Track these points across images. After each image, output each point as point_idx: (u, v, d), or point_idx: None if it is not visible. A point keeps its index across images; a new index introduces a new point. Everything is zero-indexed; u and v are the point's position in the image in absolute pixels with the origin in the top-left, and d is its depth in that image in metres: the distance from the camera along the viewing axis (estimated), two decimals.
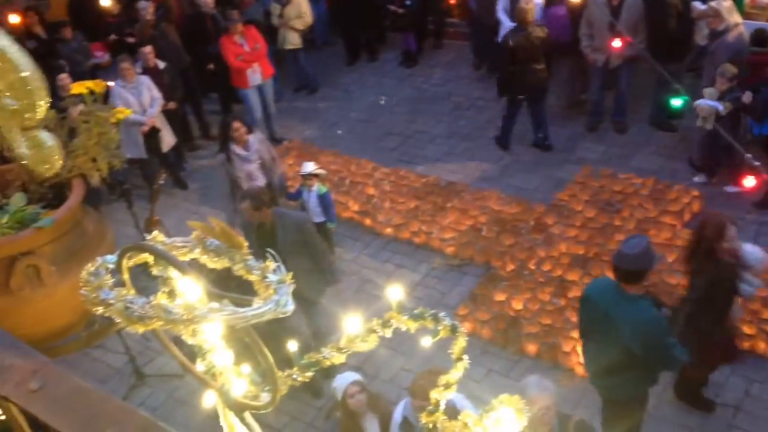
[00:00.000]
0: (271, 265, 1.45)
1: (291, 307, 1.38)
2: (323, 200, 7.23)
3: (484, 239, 7.51)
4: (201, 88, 10.69)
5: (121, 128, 8.38)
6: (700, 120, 7.35)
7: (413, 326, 1.58)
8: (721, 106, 7.13)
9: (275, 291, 1.39)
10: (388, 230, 8.00)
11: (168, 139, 8.96)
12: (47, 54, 9.92)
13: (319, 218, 7.24)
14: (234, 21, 9.07)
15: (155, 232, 1.50)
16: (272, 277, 1.43)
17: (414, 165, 9.06)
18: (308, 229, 5.98)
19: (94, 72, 9.53)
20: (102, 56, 9.45)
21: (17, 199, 1.78)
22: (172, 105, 9.03)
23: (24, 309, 1.69)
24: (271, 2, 10.36)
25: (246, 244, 1.52)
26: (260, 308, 1.35)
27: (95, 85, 1.88)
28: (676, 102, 8.08)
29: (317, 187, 7.18)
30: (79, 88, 1.86)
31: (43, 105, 1.40)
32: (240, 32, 9.10)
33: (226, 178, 7.15)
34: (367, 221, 8.17)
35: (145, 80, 8.59)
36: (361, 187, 8.51)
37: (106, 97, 2.13)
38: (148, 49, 8.80)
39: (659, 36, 8.17)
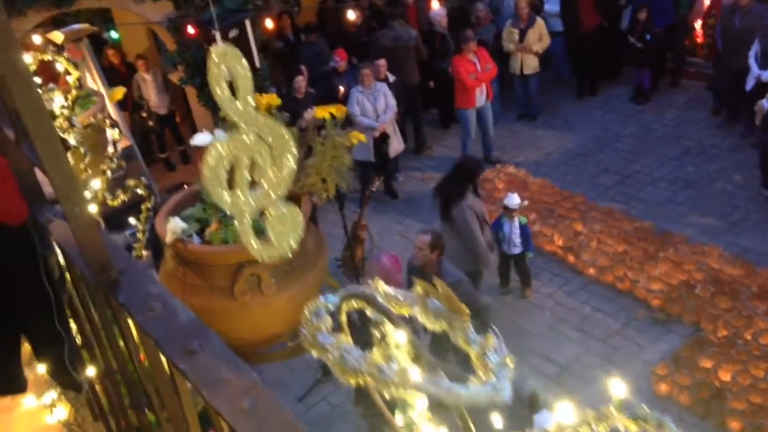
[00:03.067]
0: (492, 341, 1.37)
1: (509, 393, 1.28)
2: (524, 231, 7.10)
3: (697, 298, 6.92)
4: (422, 104, 10.98)
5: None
6: None
7: (633, 428, 1.37)
8: None
9: (494, 373, 1.30)
10: (591, 271, 7.65)
11: (396, 146, 9.28)
12: (291, 55, 10.72)
13: (518, 249, 7.13)
14: (469, 39, 9.18)
15: (378, 280, 1.50)
16: (493, 357, 1.34)
17: (629, 207, 8.58)
18: (464, 289, 5.78)
19: (330, 75, 10.10)
20: (339, 62, 9.98)
21: None
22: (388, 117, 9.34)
23: (241, 314, 1.79)
24: (506, 25, 10.34)
25: (468, 312, 1.46)
26: (476, 391, 1.26)
27: (337, 110, 1.93)
28: None
29: (518, 217, 7.06)
30: (322, 112, 1.92)
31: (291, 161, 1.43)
32: (474, 51, 9.20)
33: (473, 219, 6.64)
34: (570, 258, 7.87)
35: (383, 87, 8.97)
36: (569, 222, 8.22)
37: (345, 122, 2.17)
38: (382, 62, 9.18)
39: None
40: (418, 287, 1.43)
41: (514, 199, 7.00)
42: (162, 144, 10.88)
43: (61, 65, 2.22)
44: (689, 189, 8.77)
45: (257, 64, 8.90)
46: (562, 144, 10.24)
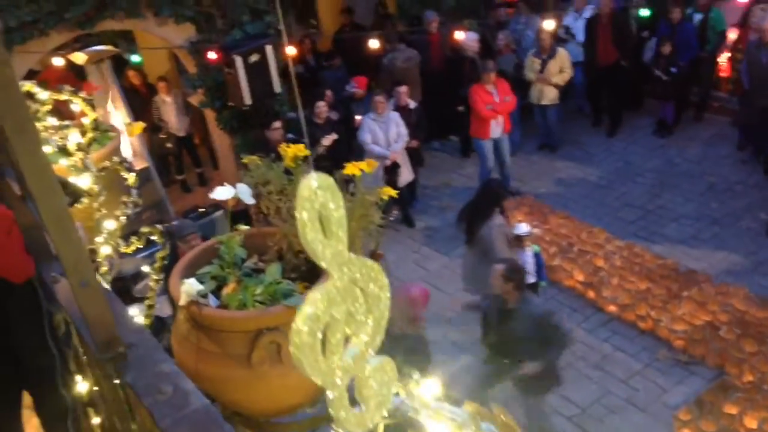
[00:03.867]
0: None
1: None
2: (538, 260, 6.96)
3: (721, 340, 6.73)
4: (444, 130, 10.91)
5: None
6: None
7: None
8: None
9: None
10: (612, 308, 7.47)
11: (406, 175, 9.18)
12: (311, 79, 10.68)
13: (532, 279, 6.98)
14: (489, 70, 9.09)
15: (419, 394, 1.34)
16: None
17: (652, 243, 8.41)
18: (555, 321, 5.63)
19: (349, 102, 10.05)
20: (356, 88, 9.93)
21: (273, 271, 1.78)
22: (414, 143, 9.25)
23: (258, 383, 1.67)
24: (528, 56, 10.26)
25: None
26: None
27: (368, 165, 1.83)
28: None
29: (531, 246, 6.92)
30: (351, 169, 1.81)
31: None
32: (492, 82, 9.10)
33: (501, 242, 6.55)
34: (591, 294, 7.70)
35: (395, 116, 8.89)
36: (589, 257, 8.05)
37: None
38: (403, 88, 9.12)
39: None
40: (469, 407, 1.30)
41: (523, 227, 6.88)
42: (180, 166, 10.86)
43: (77, 105, 2.14)
44: (714, 226, 8.59)
45: (277, 89, 8.86)
46: (583, 176, 10.10)
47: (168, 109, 10.18)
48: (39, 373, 1.76)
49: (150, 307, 2.29)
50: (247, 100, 8.58)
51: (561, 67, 10.01)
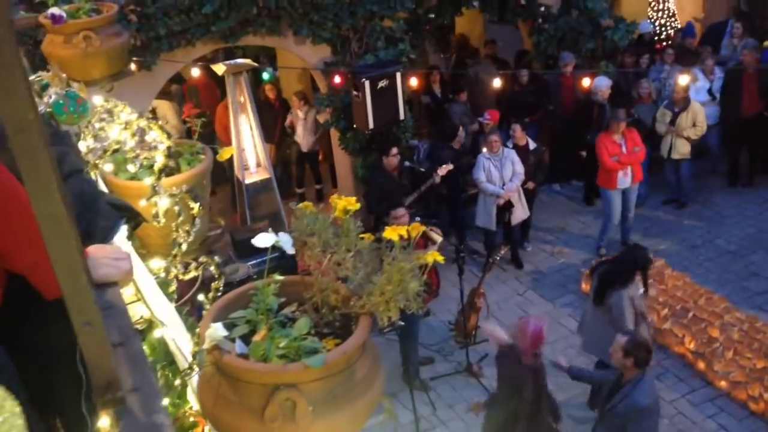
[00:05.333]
0: None
1: None
2: None
3: None
4: (566, 174, 10.65)
5: (479, 197, 8.62)
6: None
7: None
8: None
9: None
10: (723, 383, 6.97)
11: (519, 213, 9.03)
12: (437, 110, 10.76)
13: None
14: (619, 120, 8.77)
15: None
16: None
17: None
18: (644, 425, 5.30)
19: (477, 135, 10.09)
20: (489, 120, 9.86)
21: (302, 325, 1.76)
22: (530, 185, 9.09)
23: None
24: (660, 106, 9.86)
25: None
26: None
27: (413, 228, 1.77)
28: None
29: None
30: (391, 233, 1.75)
31: None
32: (621, 132, 8.79)
33: (631, 314, 6.22)
34: (701, 365, 7.23)
35: (511, 154, 8.79)
36: (704, 326, 7.55)
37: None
38: (518, 128, 9.01)
39: None
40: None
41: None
42: (301, 179, 11.19)
43: (155, 133, 2.23)
44: None
45: (402, 116, 8.98)
46: (710, 238, 9.52)
47: (299, 123, 10.55)
48: (69, 398, 1.66)
49: None
50: (371, 124, 8.74)
51: (694, 120, 9.54)
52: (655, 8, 13.23)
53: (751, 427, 6.57)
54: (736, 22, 11.02)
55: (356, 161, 9.66)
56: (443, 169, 8.47)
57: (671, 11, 13.36)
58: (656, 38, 12.60)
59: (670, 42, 12.24)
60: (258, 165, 9.31)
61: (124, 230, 2.01)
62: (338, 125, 9.51)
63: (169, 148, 2.27)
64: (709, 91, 10.12)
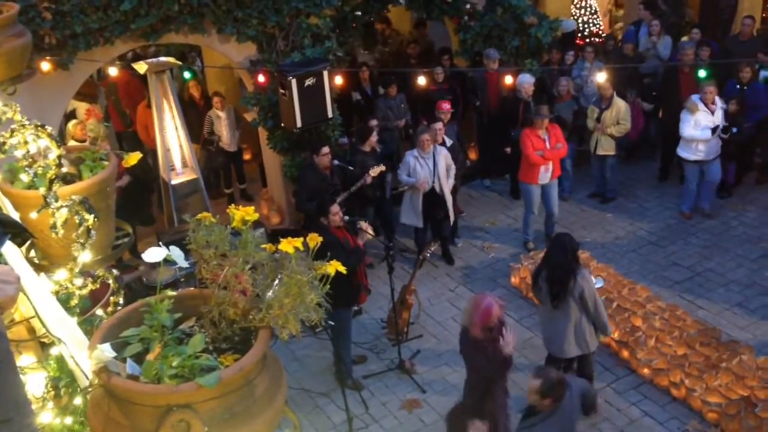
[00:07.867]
0: None
1: None
2: None
3: (756, 418, 6.36)
4: (498, 170, 10.81)
5: (405, 195, 8.59)
6: None
7: None
8: None
9: None
10: (646, 371, 7.19)
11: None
12: (367, 107, 10.72)
13: None
14: (543, 116, 8.93)
15: None
16: None
17: (695, 307, 8.09)
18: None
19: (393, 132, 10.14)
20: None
21: (196, 342, 1.68)
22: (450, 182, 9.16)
23: None
24: (589, 104, 10.09)
25: None
26: None
27: (311, 239, 1.73)
28: None
29: None
30: (286, 246, 1.71)
31: None
32: (545, 128, 8.95)
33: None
34: (624, 353, 7.43)
35: (442, 150, 8.81)
36: (627, 315, 7.77)
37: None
38: (439, 125, 8.98)
39: None
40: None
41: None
42: (228, 180, 11.02)
43: (45, 141, 2.12)
44: (764, 296, 8.21)
45: (330, 114, 8.90)
46: (632, 230, 9.81)
47: (221, 124, 10.35)
48: None
49: None
50: (299, 122, 8.64)
51: (618, 118, 9.80)
52: (578, 5, 13.53)
53: (674, 412, 6.79)
54: (654, 20, 11.34)
55: (285, 160, 9.55)
56: (375, 170, 8.45)
57: (593, 8, 13.68)
58: (578, 35, 12.90)
59: (592, 43, 12.49)
60: (184, 165, 9.11)
61: (10, 246, 1.92)
62: (266, 124, 9.38)
63: (59, 156, 2.17)
64: (713, 131, 9.25)
